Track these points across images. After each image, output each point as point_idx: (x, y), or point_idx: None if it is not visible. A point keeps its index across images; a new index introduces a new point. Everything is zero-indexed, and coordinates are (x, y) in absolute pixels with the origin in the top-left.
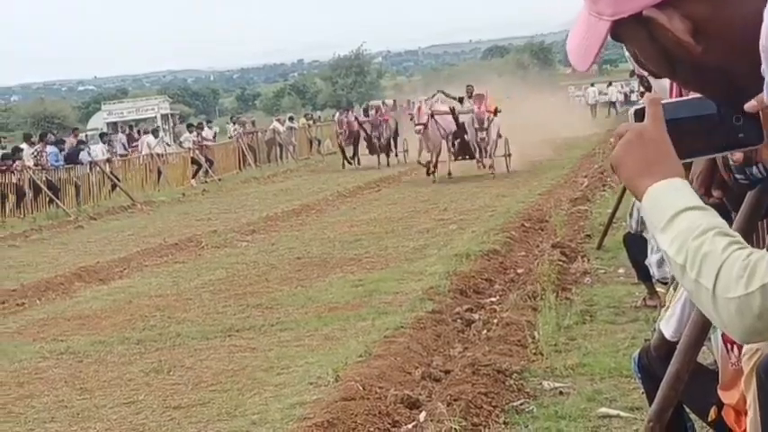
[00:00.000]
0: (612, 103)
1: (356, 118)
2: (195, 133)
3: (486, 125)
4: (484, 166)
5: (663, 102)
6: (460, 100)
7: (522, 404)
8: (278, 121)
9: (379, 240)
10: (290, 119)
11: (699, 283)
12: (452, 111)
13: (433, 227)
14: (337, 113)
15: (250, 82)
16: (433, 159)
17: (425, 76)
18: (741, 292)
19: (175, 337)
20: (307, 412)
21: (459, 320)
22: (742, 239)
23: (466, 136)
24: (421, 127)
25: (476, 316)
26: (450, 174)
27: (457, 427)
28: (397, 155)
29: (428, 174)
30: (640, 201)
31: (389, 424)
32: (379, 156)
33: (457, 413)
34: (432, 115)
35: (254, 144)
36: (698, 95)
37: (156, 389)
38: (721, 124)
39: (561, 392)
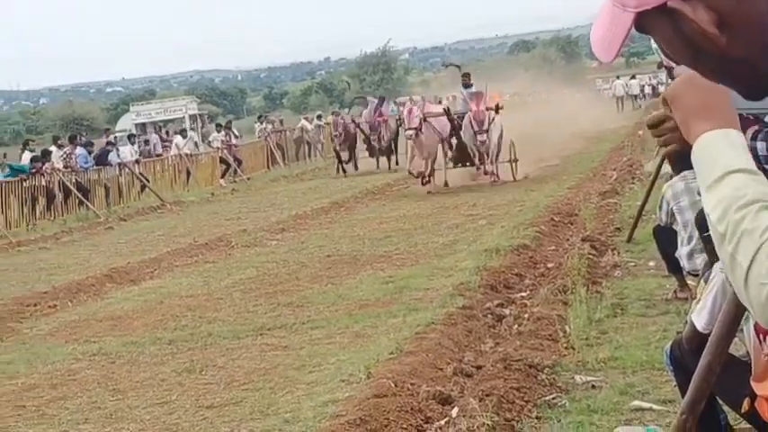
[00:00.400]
0: (635, 96)
1: (353, 119)
2: (224, 133)
3: (486, 126)
4: (486, 173)
5: None
6: (465, 80)
7: (554, 398)
8: (306, 119)
9: (408, 237)
10: (319, 117)
11: (735, 258)
12: (446, 111)
13: (462, 222)
14: (331, 115)
15: (277, 80)
16: (428, 168)
17: (452, 71)
18: None
19: (207, 337)
20: (339, 410)
21: (489, 316)
22: None
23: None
24: (413, 132)
25: (506, 311)
26: (446, 183)
27: (489, 423)
28: (398, 161)
29: (423, 184)
30: (692, 143)
31: (422, 420)
32: (378, 159)
33: (489, 408)
34: (425, 118)
35: (282, 143)
36: None
37: (189, 388)
38: None
39: (593, 386)
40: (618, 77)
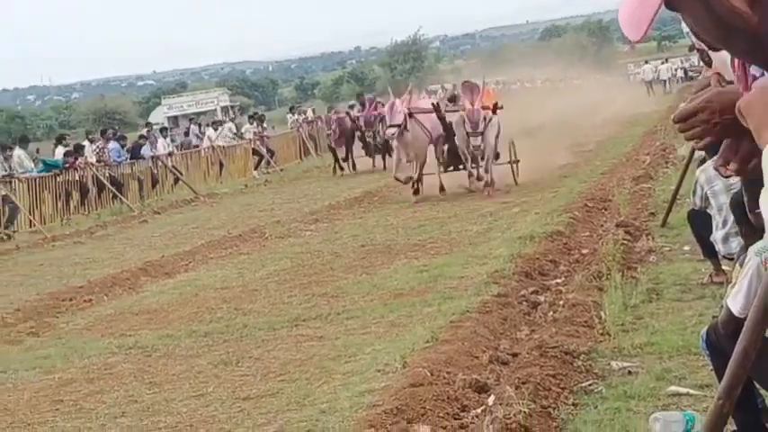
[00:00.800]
0: (665, 81)
1: (348, 113)
2: (256, 124)
3: (481, 128)
4: (479, 180)
5: None
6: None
7: (590, 385)
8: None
9: (442, 225)
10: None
11: None
12: (436, 108)
13: (496, 210)
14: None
15: (308, 71)
16: (417, 171)
17: (483, 58)
18: None
19: (242, 329)
20: (375, 399)
21: (524, 303)
22: None
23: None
24: (395, 129)
25: (541, 298)
26: (442, 189)
27: (526, 410)
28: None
29: (415, 192)
30: (762, 149)
31: (458, 408)
32: (374, 158)
33: (525, 396)
34: (410, 114)
35: (314, 133)
36: None
37: (225, 381)
38: None
39: (630, 372)
40: (647, 62)
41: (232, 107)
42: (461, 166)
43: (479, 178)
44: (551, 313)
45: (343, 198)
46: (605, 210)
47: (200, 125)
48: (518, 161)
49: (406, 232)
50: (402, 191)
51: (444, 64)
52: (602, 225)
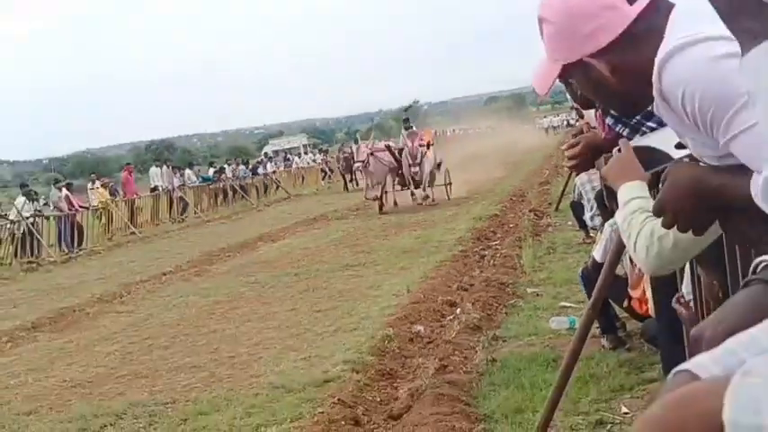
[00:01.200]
0: (555, 127)
1: (351, 152)
2: (322, 155)
3: (418, 160)
4: (416, 199)
5: (631, 143)
6: (406, 123)
7: (515, 302)
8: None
9: (429, 212)
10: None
11: (629, 238)
12: (387, 147)
13: (462, 202)
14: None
15: (352, 124)
16: (380, 192)
17: (453, 115)
18: (647, 245)
19: (316, 271)
20: (393, 311)
21: (477, 255)
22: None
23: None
24: (359, 164)
25: (486, 252)
26: (395, 203)
27: (478, 316)
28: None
29: (379, 208)
30: (617, 191)
31: (439, 316)
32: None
33: (478, 308)
34: (372, 153)
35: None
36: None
37: (307, 301)
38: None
39: (538, 294)
40: (545, 116)
41: (308, 144)
42: (409, 188)
43: (416, 197)
44: (492, 261)
45: (362, 203)
46: (522, 201)
47: (286, 156)
48: (450, 183)
49: (408, 217)
50: (372, 206)
51: (430, 118)
52: (521, 210)
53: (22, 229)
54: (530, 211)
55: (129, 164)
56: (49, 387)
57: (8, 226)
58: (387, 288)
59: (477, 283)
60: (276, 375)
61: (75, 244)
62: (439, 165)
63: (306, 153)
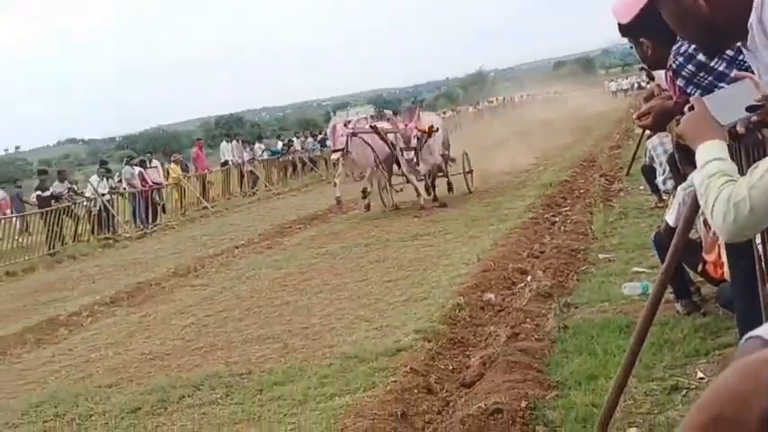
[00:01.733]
0: (625, 90)
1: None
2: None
3: (413, 143)
4: (422, 208)
5: (704, 98)
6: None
7: (586, 268)
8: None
9: (495, 180)
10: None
11: (706, 203)
12: (374, 128)
13: (528, 168)
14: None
15: (419, 93)
16: (369, 185)
17: (519, 82)
18: (724, 211)
19: (385, 241)
20: (462, 279)
21: (547, 222)
22: (735, 177)
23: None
24: (338, 154)
25: (557, 219)
26: (395, 206)
27: (549, 284)
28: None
29: (365, 208)
30: (695, 151)
31: (510, 284)
32: None
33: (549, 275)
34: (354, 134)
35: None
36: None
37: (378, 271)
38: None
39: (610, 260)
40: (613, 80)
41: (375, 115)
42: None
43: (422, 207)
44: (563, 227)
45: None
46: (592, 166)
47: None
48: (471, 171)
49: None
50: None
51: (498, 85)
52: (591, 175)
53: (98, 206)
54: (600, 176)
55: (199, 139)
56: (128, 360)
57: (85, 203)
58: (457, 257)
59: (548, 250)
60: (349, 345)
61: (150, 219)
62: (447, 157)
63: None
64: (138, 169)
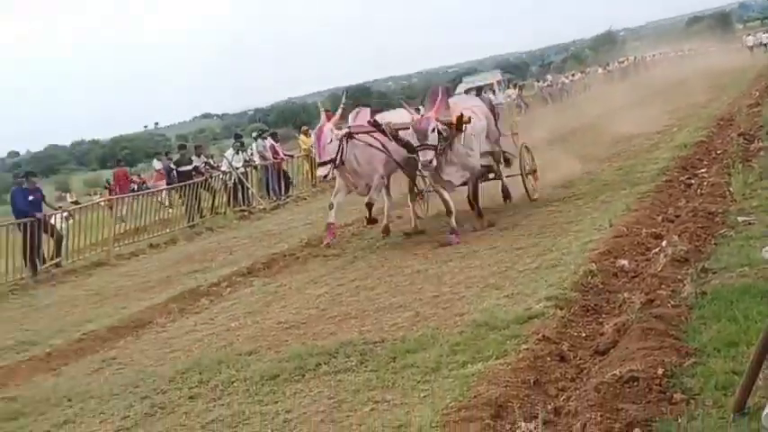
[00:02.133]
0: (765, 44)
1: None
2: (517, 88)
3: (430, 140)
4: (448, 212)
5: None
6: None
7: (725, 232)
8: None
9: (628, 141)
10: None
11: None
12: (374, 123)
13: (662, 129)
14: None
15: (546, 56)
16: (386, 204)
17: (652, 39)
18: None
19: (515, 208)
20: (594, 246)
21: (682, 185)
22: None
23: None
24: (327, 168)
25: (693, 181)
26: (416, 228)
27: (685, 249)
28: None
29: (369, 222)
30: None
31: (644, 249)
32: None
33: (685, 240)
34: (349, 135)
35: (554, 93)
36: None
37: (507, 239)
38: None
39: (749, 223)
40: (749, 34)
41: (503, 81)
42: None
43: (426, 204)
44: (699, 190)
45: (561, 135)
46: (730, 126)
47: (484, 93)
48: (534, 171)
49: (606, 147)
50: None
51: (627, 45)
52: (729, 135)
53: (233, 179)
54: (738, 135)
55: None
56: (266, 328)
57: (221, 177)
58: (588, 222)
59: (684, 214)
60: (479, 313)
61: (282, 191)
62: (500, 155)
63: (500, 90)
64: (269, 141)
